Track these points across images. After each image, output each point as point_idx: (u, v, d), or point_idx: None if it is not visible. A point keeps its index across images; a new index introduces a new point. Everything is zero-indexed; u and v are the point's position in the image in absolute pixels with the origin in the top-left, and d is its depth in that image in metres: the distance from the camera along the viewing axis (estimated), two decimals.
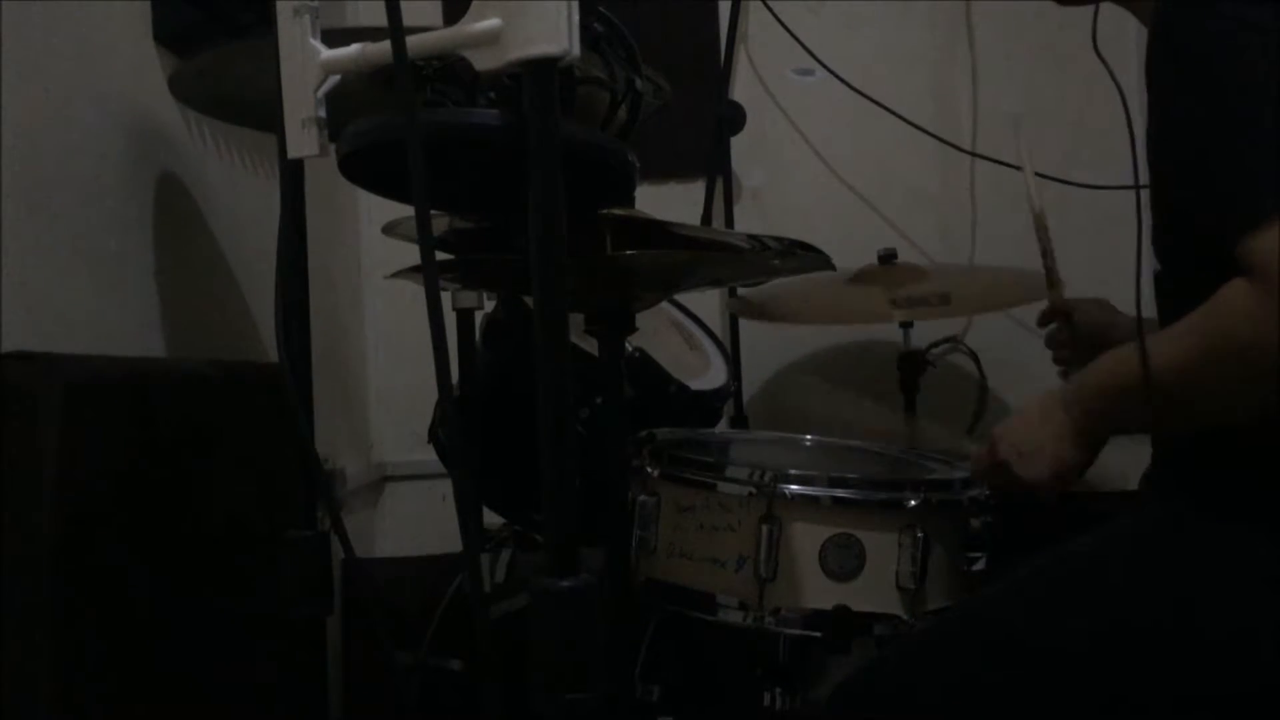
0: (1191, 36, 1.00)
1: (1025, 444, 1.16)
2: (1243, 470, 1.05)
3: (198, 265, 1.57)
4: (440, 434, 1.75)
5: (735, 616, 1.31)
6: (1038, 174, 2.19)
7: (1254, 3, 0.97)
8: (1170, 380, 1.00)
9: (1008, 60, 2.37)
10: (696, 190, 2.31)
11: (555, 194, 0.77)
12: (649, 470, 1.38)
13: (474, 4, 0.80)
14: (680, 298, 1.99)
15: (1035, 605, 1.09)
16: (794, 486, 1.31)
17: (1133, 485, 1.23)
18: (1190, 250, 1.05)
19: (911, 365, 2.01)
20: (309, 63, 0.90)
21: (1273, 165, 0.93)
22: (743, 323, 2.24)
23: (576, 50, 0.78)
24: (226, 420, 1.36)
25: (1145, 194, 1.10)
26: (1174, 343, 1.01)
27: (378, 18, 0.83)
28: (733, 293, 2.21)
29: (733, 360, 2.11)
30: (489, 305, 1.70)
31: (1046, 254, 1.50)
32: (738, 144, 2.29)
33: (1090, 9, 1.22)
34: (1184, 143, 1.02)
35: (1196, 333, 0.99)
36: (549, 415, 0.77)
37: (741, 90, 2.36)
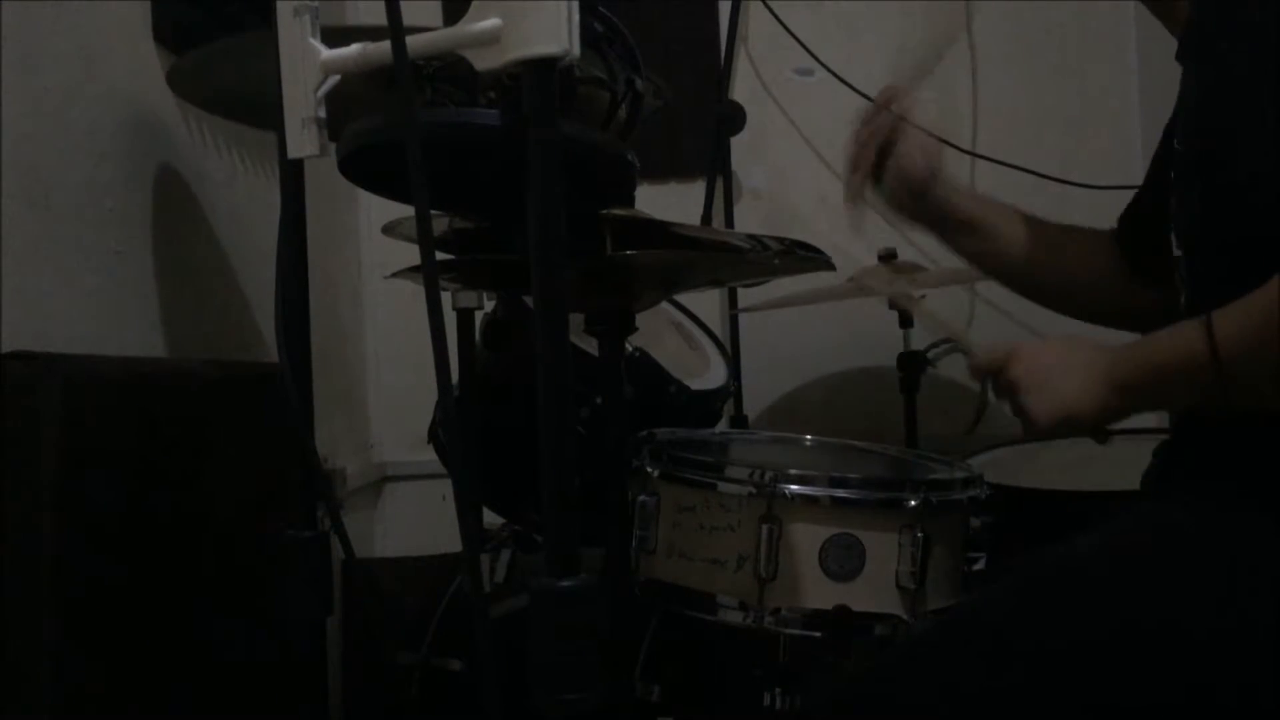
0: (1252, 8, 0.99)
1: (1045, 376, 1.13)
2: (1244, 470, 1.05)
3: (198, 265, 1.57)
4: (440, 434, 1.75)
5: (735, 616, 1.31)
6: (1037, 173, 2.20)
7: None
8: (1233, 357, 0.98)
9: (1008, 60, 2.37)
10: (696, 190, 2.31)
11: (555, 194, 0.77)
12: (649, 470, 1.38)
13: (474, 4, 0.80)
14: (680, 298, 1.99)
15: (1035, 607, 1.09)
16: (794, 486, 1.30)
17: (1132, 485, 1.23)
18: (1231, 229, 1.03)
19: (911, 365, 2.01)
20: (309, 63, 0.90)
21: None
22: (743, 323, 2.24)
23: (576, 50, 0.78)
24: (226, 420, 1.36)
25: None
26: (1235, 324, 0.99)
27: (378, 17, 0.83)
28: (733, 305, 2.21)
29: (733, 360, 2.11)
30: (489, 305, 1.70)
31: None
32: (738, 144, 2.29)
33: (1095, 10, 1.22)
34: (1243, 114, 1.00)
35: (1261, 314, 0.96)
36: (549, 415, 0.77)
37: (741, 90, 2.36)
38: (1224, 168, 1.04)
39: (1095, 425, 1.14)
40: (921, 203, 1.42)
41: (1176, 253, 1.13)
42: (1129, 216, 1.39)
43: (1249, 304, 0.99)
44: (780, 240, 1.29)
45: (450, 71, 1.05)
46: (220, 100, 1.51)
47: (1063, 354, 1.15)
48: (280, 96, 0.91)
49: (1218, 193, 1.06)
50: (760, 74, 2.38)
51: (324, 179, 1.04)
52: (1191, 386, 1.04)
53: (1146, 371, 1.09)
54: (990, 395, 1.21)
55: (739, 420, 2.17)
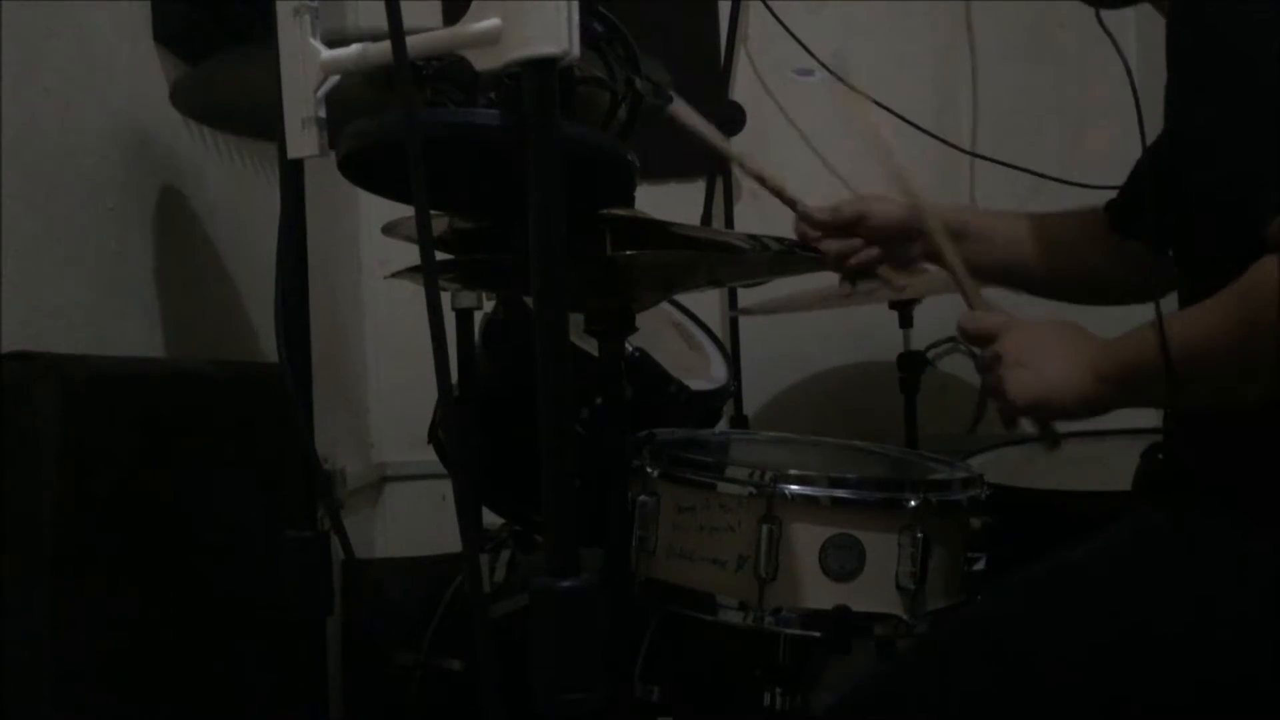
0: (1221, 15, 0.99)
1: (1030, 356, 1.09)
2: (1243, 474, 1.05)
3: (198, 265, 1.58)
4: (440, 434, 1.75)
5: (735, 616, 1.31)
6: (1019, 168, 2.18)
7: None
8: (1195, 358, 0.98)
9: (1008, 60, 2.37)
10: (696, 190, 2.31)
11: (555, 194, 0.77)
12: (649, 470, 1.38)
13: (474, 4, 0.80)
14: (680, 298, 1.99)
15: (1037, 612, 1.09)
16: (794, 486, 1.30)
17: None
18: (1212, 235, 1.03)
19: (911, 365, 2.01)
20: (309, 63, 0.90)
21: None
22: (743, 323, 2.24)
23: (576, 50, 0.78)
24: (226, 420, 1.36)
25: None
26: (1201, 319, 0.98)
27: (378, 18, 0.83)
28: (733, 305, 2.21)
29: (733, 360, 2.11)
30: (489, 305, 1.70)
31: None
32: (738, 144, 2.29)
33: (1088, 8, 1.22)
34: (1212, 124, 1.00)
35: (1226, 311, 0.96)
36: (549, 415, 0.77)
37: (741, 90, 2.36)
38: (1193, 178, 1.03)
39: (1072, 414, 1.10)
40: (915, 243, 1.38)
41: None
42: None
43: (1204, 307, 0.98)
44: (780, 240, 1.29)
45: (450, 71, 1.05)
46: (222, 115, 1.51)
47: (1052, 336, 1.11)
48: (280, 96, 0.91)
49: (1186, 201, 1.05)
50: (760, 74, 2.38)
51: (324, 179, 1.04)
52: (1154, 383, 1.02)
53: (1123, 367, 1.06)
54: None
55: (739, 420, 2.17)
